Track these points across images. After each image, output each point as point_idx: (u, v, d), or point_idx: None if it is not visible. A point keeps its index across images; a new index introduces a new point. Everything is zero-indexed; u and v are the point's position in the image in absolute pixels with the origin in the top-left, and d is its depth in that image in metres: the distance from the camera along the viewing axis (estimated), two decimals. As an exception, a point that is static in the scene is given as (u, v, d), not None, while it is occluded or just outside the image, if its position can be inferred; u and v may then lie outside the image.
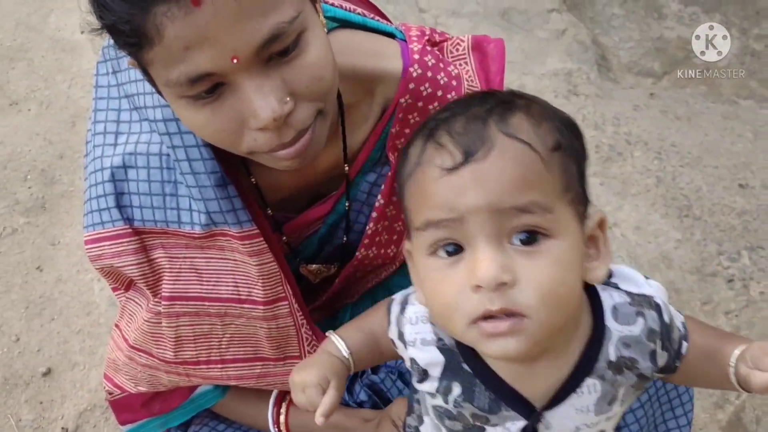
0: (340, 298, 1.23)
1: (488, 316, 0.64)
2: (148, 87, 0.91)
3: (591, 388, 0.74)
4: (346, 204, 1.07)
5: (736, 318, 1.91)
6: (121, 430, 1.53)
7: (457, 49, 1.07)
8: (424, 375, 0.80)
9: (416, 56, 1.00)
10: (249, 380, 1.08)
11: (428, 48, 1.02)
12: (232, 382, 1.09)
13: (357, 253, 1.10)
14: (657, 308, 0.76)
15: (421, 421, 0.89)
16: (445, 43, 1.07)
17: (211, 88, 0.75)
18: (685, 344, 0.78)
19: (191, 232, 0.94)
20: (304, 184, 1.06)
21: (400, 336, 0.82)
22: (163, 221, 0.94)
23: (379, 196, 1.06)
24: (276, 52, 0.75)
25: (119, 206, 0.93)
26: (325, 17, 0.97)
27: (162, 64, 0.73)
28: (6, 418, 1.69)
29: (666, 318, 0.76)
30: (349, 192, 1.06)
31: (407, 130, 1.03)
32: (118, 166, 0.93)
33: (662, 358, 0.76)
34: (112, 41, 0.91)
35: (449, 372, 0.77)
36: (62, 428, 1.66)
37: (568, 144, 0.68)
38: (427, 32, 1.06)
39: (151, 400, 1.14)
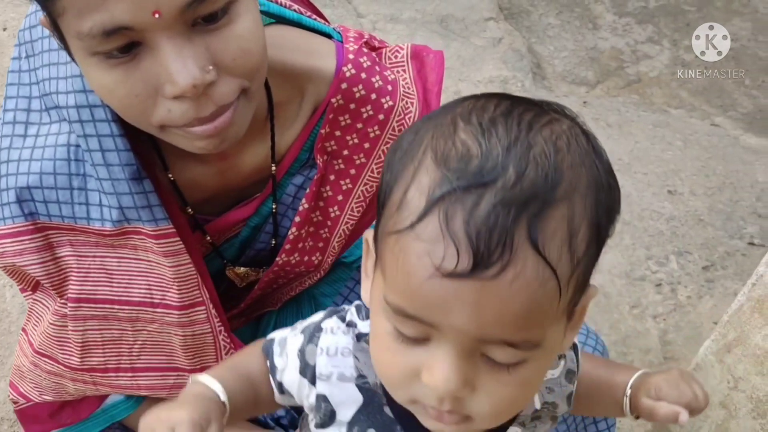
0: (263, 305, 1.18)
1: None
2: (62, 71, 0.86)
3: None
4: (273, 206, 1.03)
5: (663, 322, 1.93)
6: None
7: (396, 56, 1.05)
8: (328, 418, 0.70)
9: (351, 56, 0.97)
10: (161, 391, 1.03)
11: (365, 50, 0.99)
12: (143, 392, 1.04)
13: (277, 258, 1.06)
14: (574, 347, 0.73)
15: None
16: (384, 49, 1.05)
17: (126, 46, 0.70)
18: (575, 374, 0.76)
19: (101, 228, 0.89)
20: (228, 184, 1.01)
21: (305, 370, 0.71)
22: (70, 217, 0.89)
23: (304, 200, 1.02)
24: (202, 16, 0.71)
25: (20, 201, 0.88)
26: (261, 10, 0.94)
27: (75, 12, 0.67)
28: None
29: (579, 356, 0.73)
30: (275, 194, 1.02)
31: (337, 132, 1.00)
32: (25, 159, 0.88)
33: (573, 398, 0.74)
34: (28, 23, 0.85)
35: (364, 416, 0.69)
36: (-35, 444, 1.56)
37: (602, 235, 0.57)
38: (366, 36, 1.04)
39: (59, 409, 1.08)
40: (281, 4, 0.99)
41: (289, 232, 1.04)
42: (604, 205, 0.57)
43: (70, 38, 0.72)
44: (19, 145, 0.89)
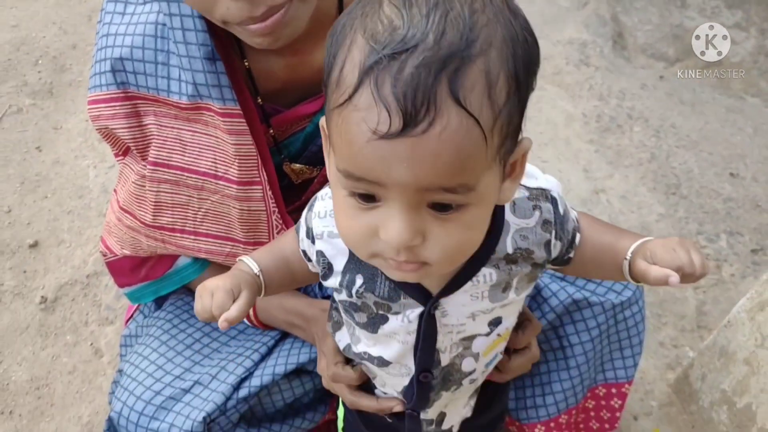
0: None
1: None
2: None
3: (486, 277, 0.77)
4: (323, 99, 1.10)
5: (703, 294, 1.96)
6: (102, 304, 1.61)
7: None
8: (328, 269, 0.80)
9: None
10: (218, 256, 1.13)
11: None
12: (202, 255, 1.13)
13: None
14: (553, 201, 0.78)
15: (338, 327, 0.93)
16: None
17: None
18: (578, 236, 0.81)
19: (178, 102, 0.98)
20: (298, 78, 1.07)
21: (309, 233, 0.82)
22: (154, 88, 0.98)
23: None
24: None
25: (114, 71, 0.97)
26: None
27: None
28: (-11, 281, 1.75)
29: (561, 210, 0.78)
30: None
31: None
32: (120, 33, 0.97)
33: (556, 249, 0.79)
34: None
35: (352, 264, 0.78)
36: (42, 296, 1.72)
37: (521, 86, 0.61)
38: None
39: (138, 266, 1.20)
40: None
41: None
42: (522, 58, 0.60)
43: None
44: (118, 21, 0.98)
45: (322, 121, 0.68)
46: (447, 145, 0.56)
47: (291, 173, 1.19)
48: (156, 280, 1.21)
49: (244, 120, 0.97)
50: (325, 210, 0.80)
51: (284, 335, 1.22)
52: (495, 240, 0.75)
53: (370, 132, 0.56)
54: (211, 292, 0.74)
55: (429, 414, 0.93)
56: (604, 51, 2.68)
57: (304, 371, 1.21)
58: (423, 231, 0.61)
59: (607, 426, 1.39)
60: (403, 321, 0.78)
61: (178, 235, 1.10)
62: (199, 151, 1.02)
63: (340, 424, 1.13)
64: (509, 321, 0.84)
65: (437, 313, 0.78)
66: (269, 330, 1.21)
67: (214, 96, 0.95)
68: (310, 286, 1.21)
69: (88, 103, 1.01)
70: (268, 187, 1.05)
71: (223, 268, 1.18)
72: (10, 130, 2.08)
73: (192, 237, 1.10)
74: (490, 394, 1.01)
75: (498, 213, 0.75)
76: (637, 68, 2.73)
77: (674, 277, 0.67)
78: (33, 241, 1.83)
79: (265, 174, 1.03)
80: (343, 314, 0.87)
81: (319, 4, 0.90)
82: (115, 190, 1.16)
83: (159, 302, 1.29)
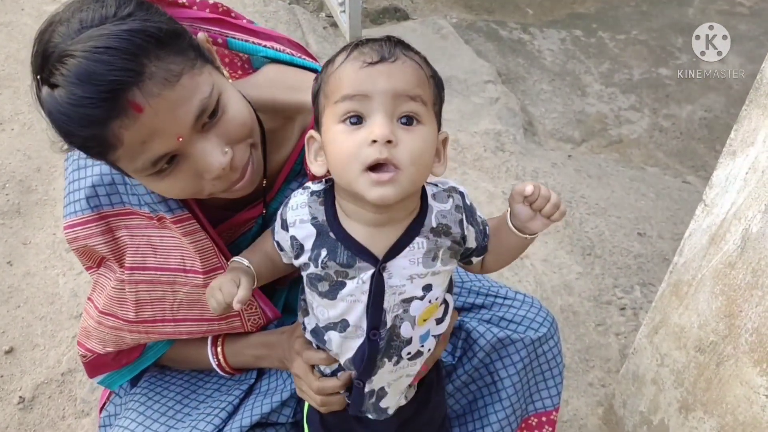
0: (276, 283, 1.47)
1: (375, 167, 0.89)
2: None
3: (419, 244, 1.00)
4: (263, 211, 1.30)
5: (625, 338, 2.20)
6: (77, 399, 1.75)
7: None
8: (300, 249, 1.02)
9: None
10: (197, 335, 1.30)
11: None
12: (184, 337, 1.30)
13: None
14: (461, 194, 1.05)
15: (306, 313, 1.13)
16: None
17: (169, 160, 0.97)
18: (487, 227, 1.08)
19: (145, 212, 1.17)
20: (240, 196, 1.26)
21: (283, 224, 1.04)
22: (128, 203, 1.16)
23: None
24: (207, 118, 0.97)
25: (88, 198, 1.15)
26: (258, 56, 1.26)
27: (127, 159, 0.94)
28: (-33, 388, 1.86)
29: (467, 201, 1.05)
30: (265, 198, 1.29)
31: None
32: (89, 165, 1.17)
33: (470, 232, 1.04)
34: None
35: (318, 241, 1.00)
36: (20, 397, 1.84)
37: (438, 81, 0.98)
38: None
39: (117, 355, 1.35)
40: (277, 50, 1.30)
41: None
42: (436, 74, 0.98)
43: (129, 172, 0.99)
44: (84, 157, 1.17)
45: (312, 133, 0.99)
46: (408, 69, 0.92)
47: None
48: (133, 362, 1.36)
49: (194, 221, 1.15)
50: (297, 203, 1.03)
51: (248, 393, 1.38)
52: (423, 216, 1.00)
53: (360, 63, 0.91)
54: (218, 289, 0.99)
55: (373, 384, 1.11)
56: (517, 138, 3.01)
57: (269, 424, 1.37)
58: (396, 134, 0.89)
59: (543, 453, 1.58)
60: (358, 283, 1.00)
61: (160, 324, 1.26)
62: (168, 252, 1.18)
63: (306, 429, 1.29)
64: (438, 290, 1.06)
65: (385, 275, 0.99)
66: (240, 375, 1.37)
67: (162, 209, 1.13)
68: (272, 323, 1.38)
69: (65, 228, 1.17)
70: None
71: (189, 340, 1.36)
72: (-19, 249, 2.23)
73: (172, 324, 1.27)
74: (425, 388, 1.21)
75: (424, 198, 1.02)
76: (548, 150, 3.06)
77: (529, 187, 0.99)
78: (8, 347, 1.96)
79: (224, 259, 1.21)
80: (308, 293, 1.08)
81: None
82: (89, 299, 1.31)
83: (134, 382, 1.44)
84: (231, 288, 0.99)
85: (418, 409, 1.20)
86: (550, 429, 1.56)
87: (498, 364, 1.47)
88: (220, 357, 1.34)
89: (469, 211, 1.05)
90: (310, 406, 1.26)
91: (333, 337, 1.09)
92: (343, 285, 1.01)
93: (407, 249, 1.00)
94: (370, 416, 1.17)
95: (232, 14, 1.30)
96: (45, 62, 0.91)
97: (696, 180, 3.06)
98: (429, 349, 1.13)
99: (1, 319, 2.05)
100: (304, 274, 1.06)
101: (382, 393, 1.13)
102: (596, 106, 3.44)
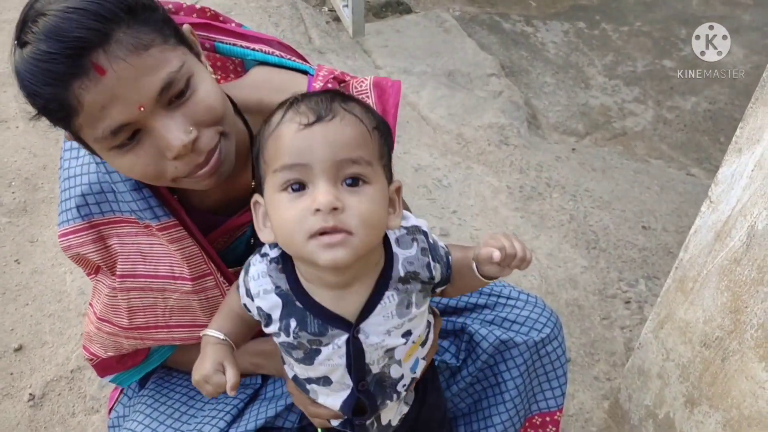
0: None
1: (323, 233, 0.84)
2: None
3: (390, 298, 0.97)
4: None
5: (630, 332, 2.20)
6: (86, 396, 1.76)
7: (361, 86, 1.30)
8: (268, 319, 0.99)
9: (317, 89, 1.21)
10: (191, 341, 1.30)
11: (330, 84, 1.27)
12: (177, 343, 1.31)
13: None
14: (424, 234, 1.01)
15: (284, 362, 1.13)
16: (351, 81, 1.32)
17: (131, 135, 0.95)
18: (450, 258, 1.03)
19: (135, 220, 1.17)
20: (229, 197, 1.27)
21: (248, 293, 1.00)
22: (118, 210, 1.17)
23: None
24: (174, 95, 0.95)
25: (78, 206, 1.16)
26: (248, 59, 1.26)
27: (88, 125, 0.92)
28: (-23, 386, 1.88)
29: (431, 239, 1.02)
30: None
31: None
32: (78, 174, 1.17)
33: (437, 270, 1.00)
34: None
35: (285, 311, 0.97)
36: (30, 394, 1.85)
37: (383, 130, 0.93)
38: (336, 72, 1.28)
39: (122, 358, 1.37)
40: (266, 53, 1.30)
41: None
42: (381, 122, 0.94)
43: (91, 143, 0.97)
44: (74, 165, 1.18)
45: (256, 198, 0.95)
46: (347, 128, 0.87)
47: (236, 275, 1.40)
48: (139, 365, 1.38)
49: (181, 227, 1.15)
50: (258, 272, 0.99)
51: (253, 398, 1.39)
52: (390, 268, 0.98)
53: (296, 126, 0.86)
54: (205, 382, 0.96)
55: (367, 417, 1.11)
56: (521, 131, 3.01)
57: (274, 429, 1.38)
58: (342, 200, 0.84)
59: (546, 453, 1.59)
60: (334, 348, 0.98)
61: (153, 331, 1.27)
62: (157, 260, 1.18)
63: None
64: (419, 330, 1.05)
65: (361, 336, 0.98)
66: (244, 379, 1.38)
67: (148, 216, 1.13)
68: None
69: (59, 236, 1.18)
70: (218, 274, 1.23)
71: (194, 344, 1.37)
72: (-11, 248, 2.25)
73: (165, 330, 1.27)
74: (421, 389, 1.22)
75: (388, 248, 0.99)
76: (552, 143, 3.06)
77: (496, 253, 0.92)
78: (18, 345, 1.97)
79: (212, 264, 1.21)
80: (283, 354, 1.07)
81: (237, 137, 1.12)
82: (90, 304, 1.33)
83: (141, 383, 1.46)
84: (219, 379, 0.96)
85: (415, 409, 1.21)
86: (554, 429, 1.57)
87: (502, 366, 1.47)
88: None
89: (433, 250, 1.02)
90: None
91: (317, 389, 1.09)
92: (318, 352, 1.00)
93: (379, 306, 0.97)
94: None
95: (220, 18, 1.30)
96: (23, 25, 0.91)
97: (700, 172, 3.06)
98: (421, 369, 1.13)
99: (9, 317, 2.06)
100: (276, 340, 1.04)
101: (377, 415, 1.14)
102: (600, 98, 3.44)
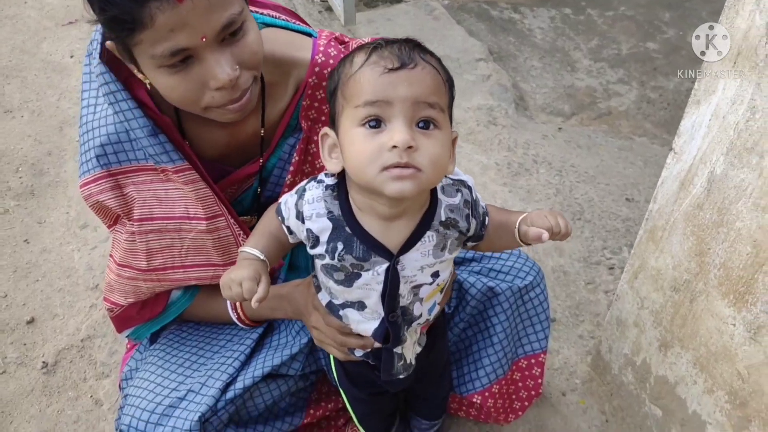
0: None
1: (396, 167, 0.92)
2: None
3: (429, 238, 1.07)
4: (260, 160, 1.37)
5: (613, 295, 2.29)
6: (97, 362, 1.86)
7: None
8: (316, 241, 1.06)
9: (321, 47, 1.33)
10: (205, 280, 1.40)
11: (333, 43, 1.35)
12: (193, 282, 1.40)
13: (279, 199, 1.41)
14: (469, 188, 1.11)
15: (319, 290, 1.21)
16: (351, 42, 1.42)
17: (183, 59, 1.04)
18: (487, 218, 1.14)
19: (151, 165, 1.26)
20: (237, 142, 1.35)
21: (299, 215, 1.07)
22: (134, 159, 1.26)
23: (295, 155, 1.37)
24: (229, 33, 1.06)
25: (97, 156, 1.25)
26: (258, 22, 1.33)
27: (150, 42, 1.01)
28: (-7, 356, 1.97)
29: (474, 195, 1.12)
30: (262, 152, 1.38)
31: (315, 104, 1.34)
32: (97, 126, 1.26)
33: (473, 225, 1.10)
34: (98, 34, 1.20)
35: (334, 235, 1.05)
36: (43, 362, 1.95)
37: (451, 84, 1.02)
38: (337, 34, 1.39)
39: (141, 309, 1.45)
40: (273, 16, 1.40)
41: (287, 179, 1.39)
42: (449, 76, 1.02)
43: (142, 58, 1.05)
44: (92, 117, 1.27)
45: (323, 130, 1.04)
46: (426, 76, 0.95)
47: (251, 223, 1.48)
48: (157, 316, 1.48)
49: (194, 171, 1.25)
50: (313, 197, 1.07)
51: (260, 346, 1.49)
52: (433, 211, 1.07)
53: (381, 69, 0.93)
54: (238, 283, 0.99)
55: (399, 349, 1.21)
56: (509, 112, 3.11)
57: (279, 376, 1.48)
58: (415, 139, 0.92)
59: (533, 393, 1.69)
60: (373, 275, 1.07)
61: (170, 271, 1.36)
62: (172, 202, 1.28)
63: (335, 378, 1.40)
64: (444, 274, 1.15)
65: (398, 267, 1.07)
66: (255, 327, 1.48)
67: (165, 160, 1.23)
68: (278, 276, 1.49)
69: (80, 186, 1.27)
70: (228, 215, 1.32)
71: (209, 294, 1.47)
72: (0, 229, 2.35)
73: (181, 270, 1.37)
74: (432, 335, 1.33)
75: (434, 193, 1.08)
76: (539, 123, 3.16)
77: (545, 234, 1.02)
78: (30, 317, 2.07)
79: (223, 206, 1.31)
80: (323, 277, 1.15)
81: None
82: (111, 255, 1.42)
83: (153, 339, 1.56)
84: (252, 286, 1.00)
85: (425, 353, 1.31)
86: (539, 370, 1.67)
87: (490, 311, 1.58)
88: (239, 310, 1.45)
89: (475, 205, 1.11)
90: (335, 359, 1.34)
91: (350, 314, 1.17)
92: (358, 276, 1.08)
93: (419, 243, 1.06)
94: (401, 377, 1.26)
95: None
96: None
97: (683, 148, 3.15)
98: (435, 313, 1.23)
99: (21, 292, 2.16)
100: (318, 262, 1.13)
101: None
102: (585, 80, 3.54)
